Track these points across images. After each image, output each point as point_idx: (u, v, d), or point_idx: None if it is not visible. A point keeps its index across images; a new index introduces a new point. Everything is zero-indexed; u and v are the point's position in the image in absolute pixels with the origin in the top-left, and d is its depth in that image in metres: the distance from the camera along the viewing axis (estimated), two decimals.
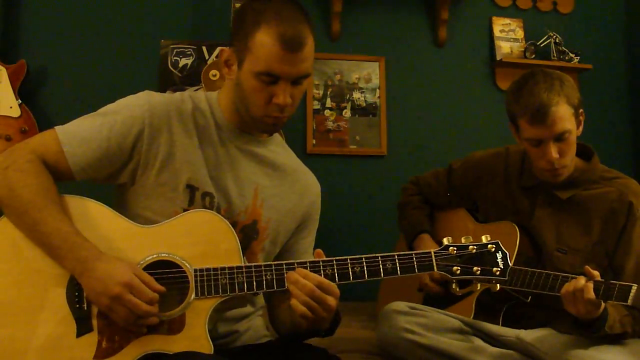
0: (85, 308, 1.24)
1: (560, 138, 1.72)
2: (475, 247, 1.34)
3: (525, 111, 1.73)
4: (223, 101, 1.44)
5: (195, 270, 1.26)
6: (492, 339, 1.79)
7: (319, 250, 1.32)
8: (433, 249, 1.33)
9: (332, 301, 1.24)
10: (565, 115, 1.71)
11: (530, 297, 1.79)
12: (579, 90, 1.80)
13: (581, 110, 1.78)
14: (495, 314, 1.87)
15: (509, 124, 1.85)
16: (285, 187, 1.49)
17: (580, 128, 1.79)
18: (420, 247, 2.04)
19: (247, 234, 1.41)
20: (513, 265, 1.76)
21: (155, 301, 1.21)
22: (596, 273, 1.56)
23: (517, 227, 1.84)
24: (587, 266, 1.60)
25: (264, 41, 1.29)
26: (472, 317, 1.84)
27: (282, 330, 1.49)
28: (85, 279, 1.21)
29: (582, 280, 1.55)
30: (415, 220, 2.13)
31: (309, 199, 1.53)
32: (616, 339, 1.66)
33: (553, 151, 1.72)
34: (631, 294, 1.54)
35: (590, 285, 1.54)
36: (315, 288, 1.23)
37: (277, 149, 1.52)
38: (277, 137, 1.54)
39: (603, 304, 1.56)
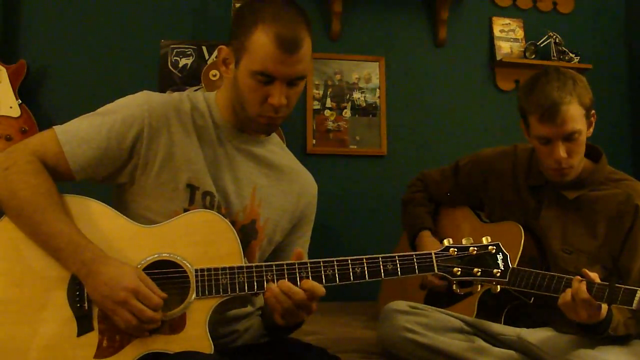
0: (87, 307, 1.24)
1: (569, 138, 1.72)
2: (475, 248, 1.34)
3: (536, 108, 1.73)
4: (221, 101, 1.44)
5: (196, 270, 1.26)
6: (493, 339, 1.79)
7: (299, 250, 1.32)
8: (433, 247, 1.34)
9: (315, 306, 1.28)
10: (575, 115, 1.70)
11: (532, 298, 1.79)
12: None
13: (593, 111, 1.78)
14: (498, 314, 1.86)
15: (520, 121, 1.85)
16: (283, 186, 1.49)
17: (591, 129, 1.78)
18: (421, 245, 2.03)
19: (246, 234, 1.41)
20: (517, 265, 1.76)
21: (160, 307, 1.22)
22: (594, 275, 1.56)
23: (521, 228, 1.84)
24: (584, 269, 1.59)
25: (261, 41, 1.29)
26: (474, 316, 1.84)
27: (266, 321, 1.49)
28: (90, 280, 1.21)
29: (576, 284, 1.55)
30: (418, 217, 2.12)
31: (306, 200, 1.53)
32: (619, 340, 1.65)
33: (561, 150, 1.72)
34: (636, 298, 1.52)
35: (583, 285, 1.53)
36: (305, 298, 1.24)
37: (275, 149, 1.52)
38: (275, 137, 1.54)
39: (605, 306, 1.56)
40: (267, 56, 1.29)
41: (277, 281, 1.27)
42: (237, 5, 2.74)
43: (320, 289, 1.26)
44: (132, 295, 1.19)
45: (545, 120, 1.71)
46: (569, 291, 1.56)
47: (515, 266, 1.75)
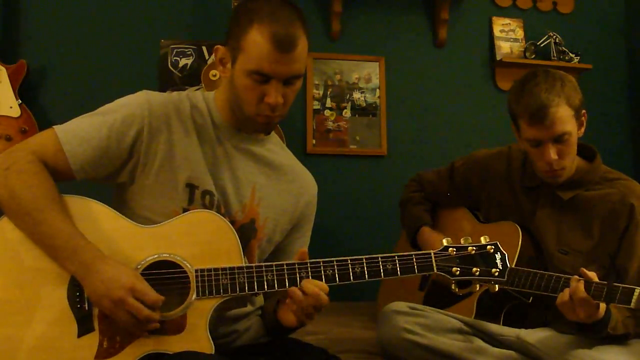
0: (87, 308, 1.24)
1: (559, 139, 1.72)
2: (474, 248, 1.34)
3: (524, 111, 1.73)
4: (220, 100, 1.44)
5: (196, 271, 1.27)
6: (492, 339, 1.79)
7: (304, 250, 1.33)
8: (436, 241, 1.34)
9: (326, 303, 1.29)
10: (564, 117, 1.70)
11: (531, 298, 1.79)
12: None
13: (583, 111, 1.77)
14: (497, 314, 1.86)
15: (511, 123, 1.85)
16: (283, 186, 1.49)
17: (582, 129, 1.78)
18: (423, 240, 2.03)
19: (246, 233, 1.41)
20: (515, 265, 1.76)
21: (158, 306, 1.22)
22: (592, 274, 1.56)
23: (519, 228, 1.84)
24: (582, 268, 1.59)
25: (256, 40, 1.29)
26: (473, 317, 1.84)
27: (267, 321, 1.50)
28: (88, 281, 1.22)
29: (574, 284, 1.55)
30: (416, 215, 2.12)
31: (306, 199, 1.53)
32: (618, 340, 1.65)
33: (552, 152, 1.72)
34: (634, 297, 1.53)
35: (581, 285, 1.53)
36: (321, 299, 1.26)
37: (275, 148, 1.52)
38: (275, 137, 1.54)
39: (603, 306, 1.56)
40: (263, 56, 1.29)
41: (277, 281, 1.27)
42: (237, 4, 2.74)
43: (323, 286, 1.27)
44: (130, 293, 1.19)
45: (534, 122, 1.71)
46: (567, 291, 1.56)
47: (513, 266, 1.75)
